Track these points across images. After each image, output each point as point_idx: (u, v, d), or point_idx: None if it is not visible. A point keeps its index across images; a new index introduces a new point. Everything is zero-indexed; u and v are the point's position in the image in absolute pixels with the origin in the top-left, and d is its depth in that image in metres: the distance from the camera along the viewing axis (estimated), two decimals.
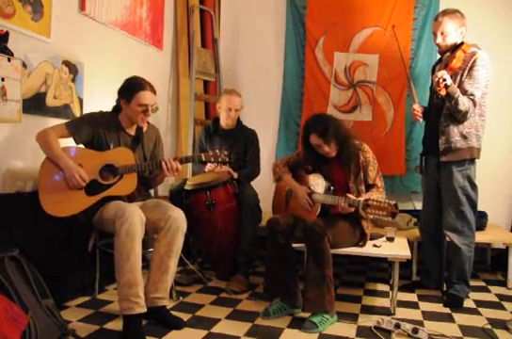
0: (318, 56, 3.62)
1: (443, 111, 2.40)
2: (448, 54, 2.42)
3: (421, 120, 2.59)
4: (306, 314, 2.13)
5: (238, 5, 3.88)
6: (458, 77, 2.36)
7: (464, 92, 2.29)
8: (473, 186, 2.41)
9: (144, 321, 1.99)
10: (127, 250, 1.90)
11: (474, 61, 2.32)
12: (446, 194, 2.45)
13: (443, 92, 2.24)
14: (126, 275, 1.90)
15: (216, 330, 2.01)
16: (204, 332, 1.97)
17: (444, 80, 2.20)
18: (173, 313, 2.12)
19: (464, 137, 2.36)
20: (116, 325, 2.01)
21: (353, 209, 2.10)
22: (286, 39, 3.71)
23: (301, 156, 2.48)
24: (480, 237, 2.79)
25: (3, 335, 1.41)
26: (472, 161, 2.41)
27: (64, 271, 2.24)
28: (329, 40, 3.57)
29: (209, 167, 2.88)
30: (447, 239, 2.54)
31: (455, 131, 2.37)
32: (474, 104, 2.30)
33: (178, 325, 2.02)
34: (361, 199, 2.06)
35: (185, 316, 2.14)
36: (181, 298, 2.42)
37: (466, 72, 2.33)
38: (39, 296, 1.72)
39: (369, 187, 2.29)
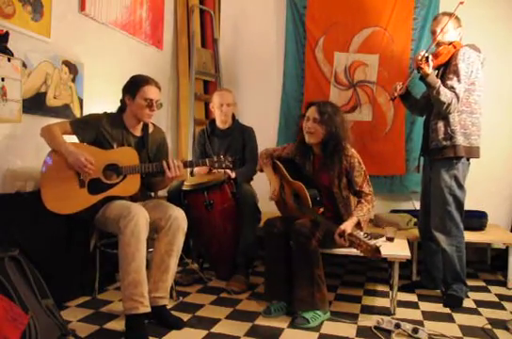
0: (318, 56, 3.61)
1: (434, 109, 2.41)
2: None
3: (391, 97, 2.55)
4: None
5: (238, 5, 3.88)
6: (440, 72, 2.37)
7: (444, 86, 2.30)
8: (460, 187, 2.39)
9: (145, 321, 1.98)
10: (133, 249, 1.90)
11: (455, 56, 2.33)
12: (434, 193, 2.45)
13: (424, 66, 2.24)
14: (131, 275, 1.89)
15: (216, 330, 2.01)
16: (204, 332, 1.97)
17: (427, 58, 2.22)
18: (173, 313, 2.12)
19: (449, 135, 2.35)
20: (116, 325, 2.01)
21: (347, 244, 2.04)
22: (286, 39, 3.71)
23: (289, 149, 2.47)
24: (480, 237, 2.80)
25: (3, 335, 1.41)
26: (459, 160, 2.37)
27: (64, 271, 2.23)
28: (329, 40, 3.57)
29: (199, 170, 2.86)
30: None
31: (441, 129, 2.37)
32: (457, 98, 2.29)
33: (178, 325, 2.02)
34: (347, 230, 2.03)
35: (185, 316, 2.14)
36: (181, 298, 2.42)
37: (448, 68, 2.35)
38: (39, 296, 1.72)
39: (356, 194, 2.27)
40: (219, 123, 2.97)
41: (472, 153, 2.40)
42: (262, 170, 2.58)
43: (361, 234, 2.00)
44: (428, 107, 2.51)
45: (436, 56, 2.35)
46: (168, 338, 1.92)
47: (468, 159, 2.42)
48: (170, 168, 2.10)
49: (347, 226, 2.07)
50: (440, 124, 2.38)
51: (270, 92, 3.75)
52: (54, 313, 1.75)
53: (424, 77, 2.31)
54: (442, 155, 2.38)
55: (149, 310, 1.93)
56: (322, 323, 2.10)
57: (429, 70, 2.27)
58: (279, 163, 2.48)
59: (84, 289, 2.38)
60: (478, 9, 3.19)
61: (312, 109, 2.25)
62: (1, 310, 1.46)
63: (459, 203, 2.41)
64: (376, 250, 1.88)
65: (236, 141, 2.94)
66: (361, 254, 1.99)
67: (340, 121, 2.24)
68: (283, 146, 2.57)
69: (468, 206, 2.47)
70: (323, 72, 3.61)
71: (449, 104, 2.29)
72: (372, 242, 1.91)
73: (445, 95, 2.27)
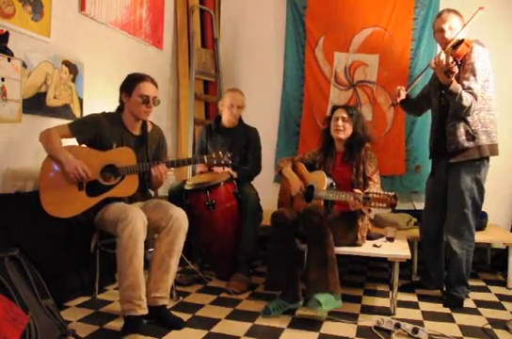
0: (318, 56, 3.62)
1: (449, 111, 2.35)
2: (450, 48, 2.35)
3: (393, 103, 2.59)
4: (307, 313, 2.11)
5: (238, 5, 3.88)
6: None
7: (462, 87, 2.24)
8: (480, 190, 2.35)
9: (144, 321, 1.99)
10: (130, 253, 1.90)
11: (469, 55, 2.29)
12: (452, 196, 2.40)
13: (456, 70, 2.18)
14: (129, 278, 1.90)
15: (215, 330, 2.01)
16: (204, 332, 1.97)
17: (453, 62, 2.17)
18: (173, 313, 2.12)
19: (471, 135, 2.31)
20: (116, 325, 2.01)
21: (362, 205, 2.08)
22: (286, 39, 3.71)
23: (311, 151, 2.64)
24: (480, 237, 2.78)
25: (3, 335, 1.41)
26: (482, 161, 2.34)
27: (64, 271, 2.24)
28: (329, 40, 3.58)
29: (200, 168, 2.86)
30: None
31: (461, 130, 2.32)
32: (476, 98, 2.25)
33: (178, 325, 2.02)
34: (361, 192, 2.08)
35: (185, 316, 2.14)
36: (181, 298, 2.42)
37: (462, 66, 2.31)
38: (39, 296, 1.72)
39: (366, 181, 2.35)
40: (225, 122, 2.97)
41: (495, 150, 2.36)
42: (280, 173, 2.67)
43: (374, 190, 2.05)
44: (441, 110, 2.43)
45: (458, 56, 2.28)
46: (168, 338, 1.92)
47: (488, 159, 2.38)
48: (157, 174, 2.12)
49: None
50: (459, 125, 2.32)
51: (270, 92, 3.75)
52: (54, 313, 1.75)
53: (445, 85, 2.22)
54: (466, 157, 2.32)
55: (146, 312, 1.93)
56: (322, 323, 2.10)
57: (453, 76, 2.19)
58: (299, 163, 2.64)
59: (84, 289, 2.38)
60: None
61: (341, 110, 2.46)
62: (1, 310, 1.46)
63: (477, 207, 2.37)
64: (395, 196, 1.93)
65: (240, 141, 2.95)
66: (378, 208, 2.02)
67: (364, 123, 2.49)
68: (299, 155, 2.76)
69: None
70: (323, 72, 3.61)
71: (469, 107, 2.24)
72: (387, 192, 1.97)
73: (466, 99, 2.21)
